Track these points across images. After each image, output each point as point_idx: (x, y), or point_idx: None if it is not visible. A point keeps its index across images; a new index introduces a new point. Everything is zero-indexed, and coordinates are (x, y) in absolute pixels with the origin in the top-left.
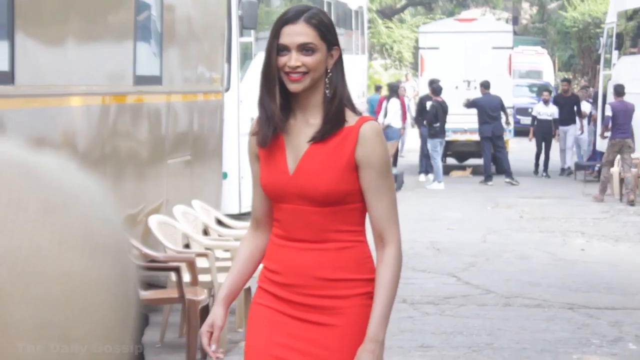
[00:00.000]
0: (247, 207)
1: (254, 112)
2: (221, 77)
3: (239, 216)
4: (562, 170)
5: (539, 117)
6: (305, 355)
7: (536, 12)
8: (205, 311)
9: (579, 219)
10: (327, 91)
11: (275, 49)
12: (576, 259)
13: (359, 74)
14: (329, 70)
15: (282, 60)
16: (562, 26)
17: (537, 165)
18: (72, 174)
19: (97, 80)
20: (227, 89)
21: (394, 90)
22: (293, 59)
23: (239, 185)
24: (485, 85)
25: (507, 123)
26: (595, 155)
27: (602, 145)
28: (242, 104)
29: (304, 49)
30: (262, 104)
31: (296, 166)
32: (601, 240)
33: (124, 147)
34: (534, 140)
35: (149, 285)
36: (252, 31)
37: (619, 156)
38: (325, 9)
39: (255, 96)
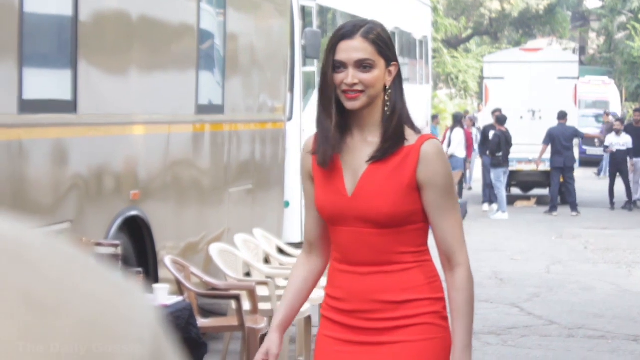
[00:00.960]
0: None
1: None
2: (283, 106)
3: (301, 245)
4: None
5: (611, 147)
6: None
7: (603, 42)
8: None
9: None
10: (386, 109)
11: (331, 65)
12: None
13: (423, 104)
14: (387, 87)
15: (339, 77)
16: (629, 56)
17: (612, 199)
18: (70, 257)
19: (159, 109)
20: (290, 118)
21: (458, 120)
22: (350, 76)
23: (301, 214)
24: (561, 116)
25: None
26: None
27: None
28: (304, 133)
29: (362, 65)
30: (320, 122)
31: (355, 187)
32: None
33: (186, 176)
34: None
35: (210, 313)
36: (315, 61)
37: None
38: None
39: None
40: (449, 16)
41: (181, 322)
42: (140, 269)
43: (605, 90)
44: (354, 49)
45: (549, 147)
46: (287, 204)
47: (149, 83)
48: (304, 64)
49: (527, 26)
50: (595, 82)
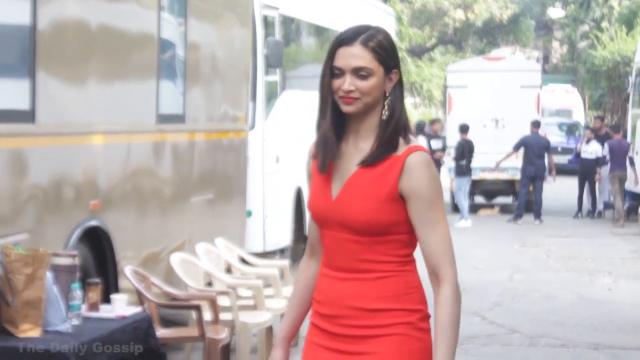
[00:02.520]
0: (271, 245)
1: (279, 151)
2: (245, 115)
3: (263, 255)
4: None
5: (582, 156)
6: None
7: (566, 51)
8: (226, 350)
9: (606, 259)
10: (383, 116)
11: (329, 70)
12: (603, 299)
13: None
14: (387, 94)
15: (336, 83)
16: (592, 65)
17: (580, 207)
18: None
19: (119, 118)
20: (252, 127)
21: (421, 128)
22: (347, 83)
23: (263, 223)
24: (535, 124)
25: (550, 170)
26: (624, 193)
27: (630, 184)
28: (266, 143)
29: (359, 73)
30: (318, 127)
31: (339, 192)
32: (628, 280)
33: (147, 186)
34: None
35: (171, 323)
36: (278, 70)
37: None
38: None
39: (279, 135)
40: (413, 25)
41: (139, 332)
42: (98, 280)
43: (569, 99)
44: (352, 55)
45: (516, 155)
46: (249, 214)
47: (109, 92)
48: (266, 73)
49: (491, 35)
50: (559, 91)
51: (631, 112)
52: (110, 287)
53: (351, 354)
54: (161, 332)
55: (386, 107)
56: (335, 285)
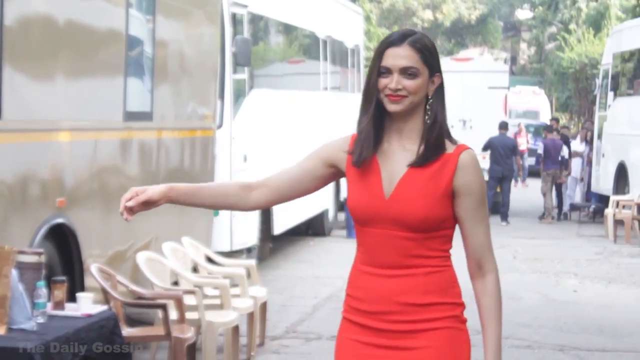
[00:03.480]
0: (237, 244)
1: (247, 150)
2: (213, 114)
3: (230, 254)
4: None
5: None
6: None
7: (534, 52)
8: (192, 349)
9: (572, 260)
10: (427, 118)
11: (377, 70)
12: (568, 300)
13: (355, 112)
14: (429, 97)
15: (383, 82)
16: (559, 67)
17: (559, 210)
18: None
19: (86, 115)
20: (220, 126)
21: None
22: (394, 82)
23: (230, 222)
24: (502, 126)
25: (520, 172)
26: (590, 196)
27: (596, 186)
28: (234, 141)
29: (406, 72)
30: (360, 124)
31: (393, 191)
32: (594, 282)
33: (113, 183)
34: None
35: (137, 322)
36: (246, 68)
37: (621, 197)
38: (320, 47)
39: (247, 134)
40: (382, 25)
41: (105, 331)
42: (64, 278)
43: (536, 100)
44: (400, 56)
45: (483, 156)
46: (216, 213)
47: (75, 89)
48: (235, 72)
49: (459, 36)
50: (526, 92)
51: (598, 114)
52: (76, 285)
53: (399, 349)
54: (127, 331)
55: (429, 110)
56: (380, 282)
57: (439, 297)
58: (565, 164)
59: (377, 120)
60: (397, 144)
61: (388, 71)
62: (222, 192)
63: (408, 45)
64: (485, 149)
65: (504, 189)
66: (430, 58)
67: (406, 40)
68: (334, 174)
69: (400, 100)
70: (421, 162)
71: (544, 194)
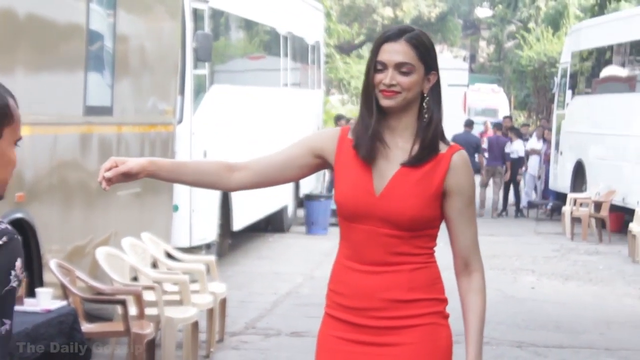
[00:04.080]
0: (197, 240)
1: (207, 145)
2: (173, 109)
3: (189, 249)
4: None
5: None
6: None
7: (493, 50)
8: (152, 345)
9: (530, 257)
10: (425, 116)
11: (374, 65)
12: (526, 297)
13: (316, 109)
14: (425, 95)
15: (379, 77)
16: (518, 65)
17: (505, 205)
18: None
19: (45, 109)
20: (180, 121)
21: (337, 120)
22: (389, 77)
23: (190, 218)
24: (467, 124)
25: (480, 170)
26: (548, 193)
27: (554, 183)
28: (194, 136)
29: (402, 68)
30: (362, 119)
31: (384, 188)
32: (551, 279)
33: (73, 178)
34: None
35: (96, 318)
36: (207, 63)
37: (578, 195)
38: (281, 43)
39: (207, 129)
40: (342, 22)
41: (65, 327)
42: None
43: (495, 98)
44: (396, 51)
45: None
46: (175, 208)
47: (35, 83)
48: (195, 67)
49: None
50: (485, 90)
51: (556, 112)
52: (34, 280)
53: (381, 345)
54: (86, 327)
55: (425, 108)
56: (365, 278)
57: (423, 294)
58: (520, 162)
59: (378, 114)
60: (391, 140)
61: (383, 66)
62: (203, 170)
63: (404, 41)
64: None
65: None
66: (426, 55)
67: (403, 36)
68: (319, 165)
69: (393, 96)
70: (414, 162)
71: (482, 186)
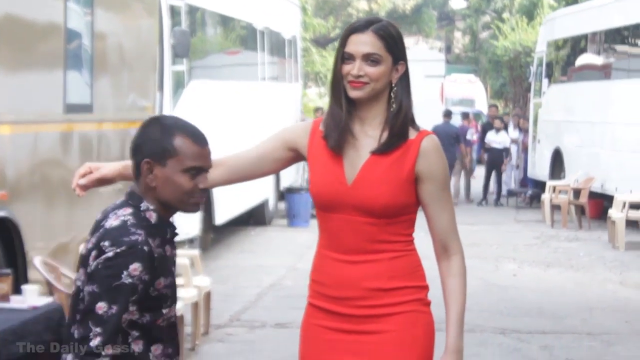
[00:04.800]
0: (180, 234)
1: None
2: (153, 105)
3: None
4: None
5: (491, 145)
6: None
7: (468, 41)
8: None
9: (511, 245)
10: (393, 105)
11: (341, 56)
12: (508, 285)
13: (294, 102)
14: (393, 85)
15: (346, 68)
16: (494, 55)
17: (485, 194)
18: None
19: (25, 108)
20: None
21: (315, 112)
22: (356, 68)
23: None
24: (445, 114)
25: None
26: (527, 181)
27: (533, 171)
28: None
29: (369, 59)
30: (331, 110)
31: (355, 177)
32: (532, 266)
33: (55, 176)
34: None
35: None
36: (185, 59)
37: (557, 182)
38: (258, 38)
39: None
40: (318, 16)
41: (52, 323)
42: (9, 270)
43: (471, 88)
44: (363, 42)
45: None
46: None
47: (15, 82)
48: (173, 63)
49: None
50: (461, 81)
51: (533, 101)
52: (19, 278)
53: (362, 333)
54: None
55: (393, 98)
56: (346, 268)
57: (404, 281)
58: (506, 152)
59: (347, 105)
60: (360, 130)
61: (351, 57)
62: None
63: (371, 32)
64: None
65: None
66: (394, 46)
67: (370, 27)
68: (293, 158)
69: (361, 87)
70: (383, 149)
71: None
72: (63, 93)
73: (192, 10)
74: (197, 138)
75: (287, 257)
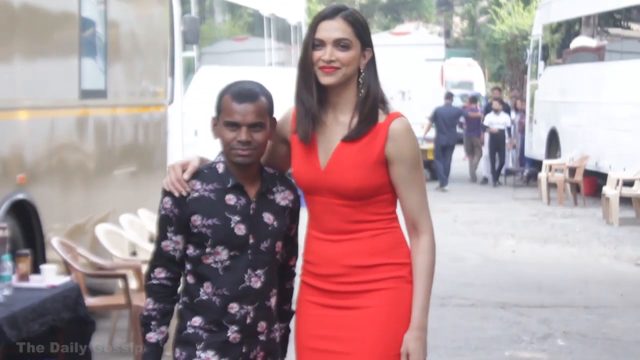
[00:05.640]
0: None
1: (197, 124)
2: (164, 91)
3: None
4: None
5: (491, 127)
6: (342, 342)
7: (467, 25)
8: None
9: (509, 222)
10: (361, 91)
11: (311, 43)
12: (507, 260)
13: None
14: (361, 70)
15: (317, 54)
16: (491, 39)
17: (496, 176)
18: None
19: (43, 94)
20: (171, 102)
21: None
22: (328, 53)
23: None
24: (447, 96)
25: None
26: (524, 160)
27: (530, 151)
28: (185, 116)
29: (340, 44)
30: (300, 98)
31: (327, 162)
32: (530, 242)
33: (71, 159)
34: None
35: (98, 292)
36: (195, 46)
37: (553, 161)
38: (264, 24)
39: (197, 109)
40: (322, 3)
41: (70, 301)
42: (28, 251)
43: (470, 71)
44: (333, 28)
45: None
46: None
47: (32, 69)
48: (184, 49)
49: (395, 11)
50: (460, 64)
51: (529, 82)
52: (38, 258)
53: (346, 308)
54: (89, 301)
55: (361, 83)
56: (329, 246)
57: (385, 258)
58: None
59: (317, 92)
60: (332, 116)
61: (322, 43)
62: None
63: (341, 18)
64: (432, 119)
65: (446, 156)
66: (362, 32)
67: (339, 14)
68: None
69: (333, 72)
70: (353, 135)
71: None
72: (78, 79)
73: None
74: (237, 96)
75: None
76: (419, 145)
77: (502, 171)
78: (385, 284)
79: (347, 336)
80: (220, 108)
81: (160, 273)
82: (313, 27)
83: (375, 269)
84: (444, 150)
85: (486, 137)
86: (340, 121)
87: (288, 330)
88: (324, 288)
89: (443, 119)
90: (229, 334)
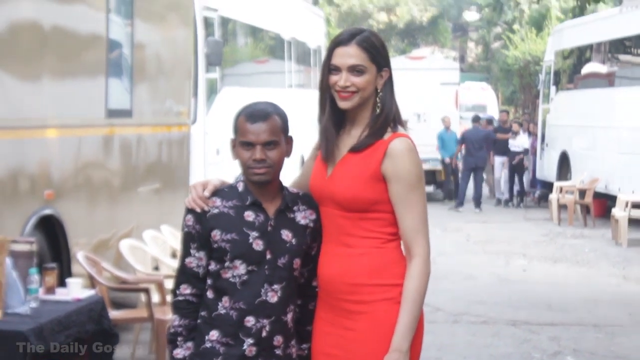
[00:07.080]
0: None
1: (219, 143)
2: (188, 111)
3: None
4: (499, 200)
5: (511, 149)
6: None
7: (481, 50)
8: None
9: (521, 242)
10: (378, 108)
11: (328, 68)
12: (518, 279)
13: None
14: (379, 90)
15: (334, 79)
16: (505, 64)
17: (511, 196)
18: None
19: (71, 113)
20: (194, 122)
21: None
22: (343, 79)
23: None
24: (474, 119)
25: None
26: (535, 182)
27: (541, 173)
28: (207, 136)
29: (354, 70)
30: (319, 120)
31: (332, 171)
32: (541, 262)
33: (97, 176)
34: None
35: (121, 305)
36: (218, 68)
37: (564, 183)
38: (285, 47)
39: (219, 129)
40: (341, 27)
41: (94, 314)
42: (54, 265)
43: (484, 95)
44: (348, 54)
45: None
46: None
47: (61, 89)
48: (207, 71)
49: (411, 36)
50: (474, 88)
51: (541, 107)
52: (64, 272)
53: (344, 328)
54: (113, 314)
55: (379, 102)
56: (329, 260)
57: (371, 279)
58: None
59: (334, 114)
60: (347, 130)
61: (337, 69)
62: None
63: (355, 45)
64: (460, 142)
65: (476, 179)
66: (377, 55)
67: (354, 40)
68: None
69: (350, 97)
70: (357, 147)
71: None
72: (105, 99)
73: (225, 22)
74: (250, 117)
75: None
76: (421, 167)
77: (515, 192)
78: (370, 306)
79: (344, 357)
80: (237, 129)
81: (186, 289)
82: (330, 52)
83: (362, 288)
84: (474, 172)
85: (497, 159)
86: (352, 134)
87: (310, 351)
88: (326, 302)
89: (471, 142)
90: (244, 347)
